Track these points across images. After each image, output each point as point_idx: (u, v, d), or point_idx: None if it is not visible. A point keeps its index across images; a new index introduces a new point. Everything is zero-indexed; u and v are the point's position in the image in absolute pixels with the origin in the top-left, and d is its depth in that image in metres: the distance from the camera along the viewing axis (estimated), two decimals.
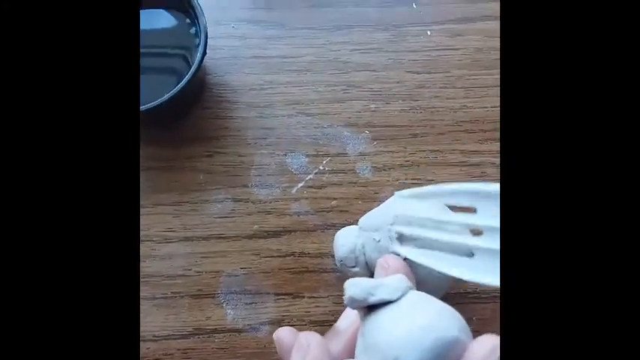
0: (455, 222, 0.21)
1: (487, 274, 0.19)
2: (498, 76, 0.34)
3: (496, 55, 0.35)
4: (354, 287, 0.18)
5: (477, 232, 0.21)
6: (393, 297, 0.18)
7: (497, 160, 0.33)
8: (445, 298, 0.24)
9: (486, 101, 0.34)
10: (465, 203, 0.20)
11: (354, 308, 0.19)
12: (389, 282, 0.19)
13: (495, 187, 0.18)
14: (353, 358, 0.19)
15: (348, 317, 0.22)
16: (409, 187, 0.31)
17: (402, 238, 0.23)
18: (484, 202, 0.19)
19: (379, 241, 0.23)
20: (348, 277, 0.24)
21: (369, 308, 0.19)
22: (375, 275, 0.21)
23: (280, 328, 0.22)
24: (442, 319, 0.17)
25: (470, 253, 0.20)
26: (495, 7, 0.36)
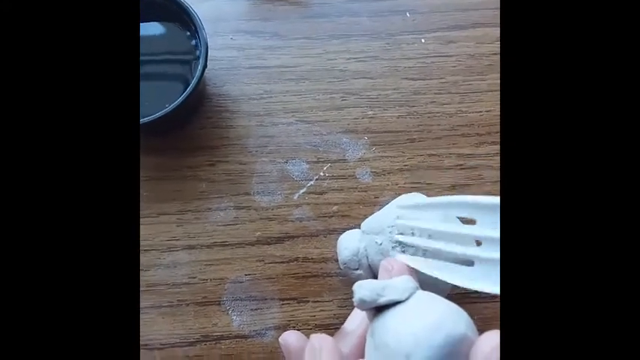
0: (455, 233, 0.21)
1: (487, 282, 0.19)
2: (491, 81, 0.35)
3: (488, 60, 0.36)
4: (363, 289, 0.19)
5: (476, 242, 0.21)
6: (402, 297, 0.19)
7: (494, 163, 0.33)
8: (447, 297, 0.25)
9: (480, 105, 0.35)
10: (464, 215, 0.21)
11: (363, 309, 0.19)
12: (396, 283, 0.19)
13: (495, 199, 0.19)
14: (363, 358, 0.19)
15: (356, 318, 0.22)
16: (409, 191, 0.32)
17: (402, 244, 0.23)
18: (483, 214, 0.20)
19: (381, 244, 0.24)
20: (351, 281, 0.25)
21: (378, 309, 0.19)
22: (378, 277, 0.22)
23: (286, 332, 0.22)
24: (450, 317, 0.18)
25: (470, 262, 0.21)
26: (486, 14, 0.37)
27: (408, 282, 0.19)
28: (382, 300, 0.18)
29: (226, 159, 0.33)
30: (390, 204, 0.26)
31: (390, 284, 0.19)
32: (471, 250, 0.20)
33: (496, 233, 0.18)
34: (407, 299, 0.19)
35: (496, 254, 0.19)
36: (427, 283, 0.22)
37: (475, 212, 0.20)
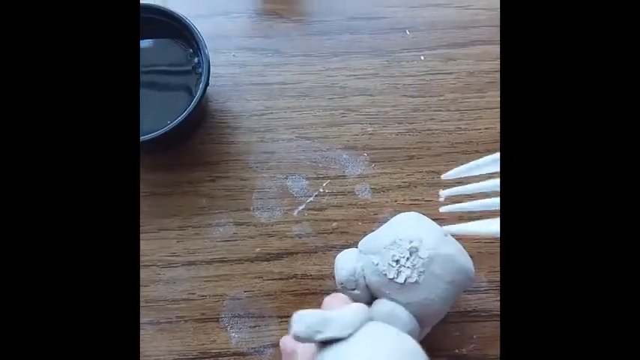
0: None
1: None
2: (490, 99, 0.35)
3: (488, 78, 0.36)
4: (300, 324, 0.17)
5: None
6: (343, 335, 0.17)
7: None
8: (445, 315, 0.25)
9: (479, 123, 0.35)
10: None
11: (302, 342, 0.18)
12: (340, 317, 0.18)
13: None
14: None
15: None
16: (408, 208, 0.32)
17: (399, 265, 0.23)
18: None
19: (377, 264, 0.24)
20: (352, 298, 0.25)
21: (323, 342, 0.18)
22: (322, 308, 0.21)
23: (285, 337, 0.23)
24: (398, 358, 0.16)
25: None
26: (485, 32, 0.37)
27: (355, 315, 0.18)
28: (319, 337, 0.17)
29: (227, 175, 0.34)
30: (386, 224, 0.26)
31: (333, 319, 0.17)
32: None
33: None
34: (350, 335, 0.17)
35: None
36: (425, 305, 0.22)
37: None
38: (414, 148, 0.34)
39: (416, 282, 0.23)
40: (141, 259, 0.32)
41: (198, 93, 0.30)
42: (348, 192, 0.33)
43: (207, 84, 0.30)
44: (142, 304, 0.31)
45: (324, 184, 0.34)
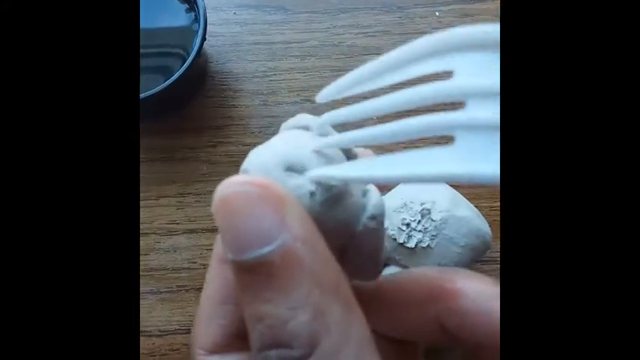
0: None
1: (478, 161, 0.11)
2: None
3: None
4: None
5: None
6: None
7: None
8: None
9: None
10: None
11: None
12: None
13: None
14: None
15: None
16: None
17: (409, 228, 0.21)
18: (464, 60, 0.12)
19: (386, 228, 0.22)
20: None
21: None
22: None
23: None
24: None
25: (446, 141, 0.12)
26: None
27: None
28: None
29: (228, 140, 0.32)
30: (395, 188, 0.25)
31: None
32: (450, 117, 0.11)
33: (488, 80, 0.11)
34: None
35: (489, 114, 0.11)
36: (444, 256, 0.21)
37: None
38: (427, 111, 0.32)
39: (428, 246, 0.21)
40: (140, 227, 0.30)
41: (194, 49, 0.28)
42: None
43: (203, 38, 0.28)
44: (141, 273, 0.30)
45: None
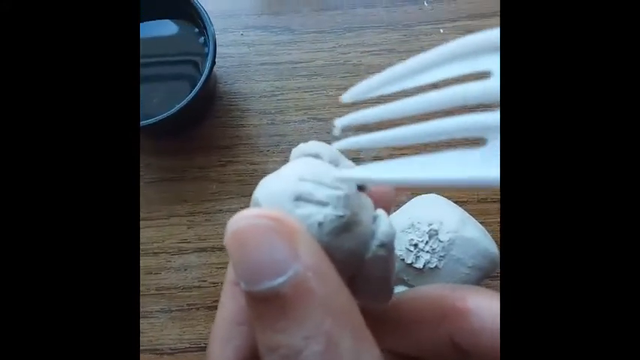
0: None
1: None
2: None
3: None
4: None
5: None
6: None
7: None
8: None
9: None
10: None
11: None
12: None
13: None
14: None
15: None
16: (427, 191, 0.30)
17: (417, 249, 0.22)
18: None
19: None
20: None
21: None
22: None
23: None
24: None
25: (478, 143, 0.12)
26: None
27: None
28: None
29: (237, 159, 0.33)
30: (403, 206, 0.25)
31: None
32: (483, 117, 0.11)
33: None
34: None
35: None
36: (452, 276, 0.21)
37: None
38: None
39: (436, 267, 0.21)
40: (151, 246, 0.31)
41: (205, 72, 0.28)
42: None
43: (213, 63, 0.29)
44: (152, 291, 0.30)
45: None
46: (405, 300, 0.15)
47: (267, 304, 0.11)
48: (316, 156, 0.14)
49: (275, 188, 0.13)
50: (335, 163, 0.14)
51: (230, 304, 0.14)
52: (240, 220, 0.11)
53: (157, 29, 0.31)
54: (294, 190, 0.13)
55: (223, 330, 0.14)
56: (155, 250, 0.31)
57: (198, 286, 0.30)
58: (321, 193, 0.12)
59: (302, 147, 0.15)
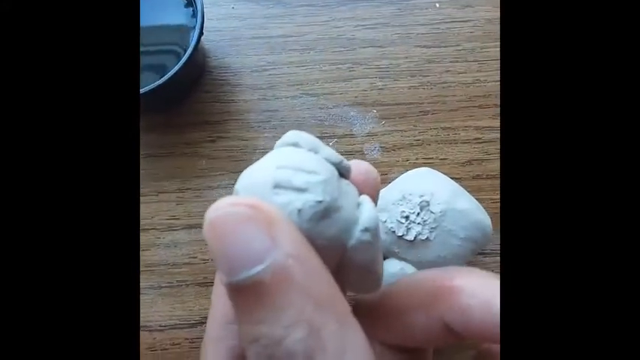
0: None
1: None
2: None
3: None
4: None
5: None
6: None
7: None
8: None
9: (500, 74, 0.32)
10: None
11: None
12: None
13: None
14: None
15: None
16: (420, 167, 0.30)
17: (408, 221, 0.21)
18: None
19: (385, 221, 0.22)
20: None
21: None
22: None
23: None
24: None
25: None
26: None
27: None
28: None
29: (227, 135, 0.32)
30: (395, 181, 0.24)
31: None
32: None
33: None
34: None
35: None
36: (444, 248, 0.20)
37: None
38: (428, 103, 0.32)
39: (427, 239, 0.21)
40: (140, 222, 0.30)
41: (192, 43, 0.27)
42: (356, 151, 0.31)
43: (201, 32, 0.28)
44: (141, 268, 0.30)
45: (331, 144, 0.31)
46: (396, 287, 0.14)
47: (246, 295, 0.11)
48: (295, 145, 0.14)
49: (253, 178, 0.13)
50: (315, 151, 0.14)
51: (220, 303, 0.14)
52: (216, 210, 0.11)
53: (146, 2, 0.30)
54: (273, 178, 0.12)
55: (215, 330, 0.14)
56: (144, 227, 0.30)
57: (188, 263, 0.30)
58: (300, 180, 0.12)
59: (282, 138, 0.15)
